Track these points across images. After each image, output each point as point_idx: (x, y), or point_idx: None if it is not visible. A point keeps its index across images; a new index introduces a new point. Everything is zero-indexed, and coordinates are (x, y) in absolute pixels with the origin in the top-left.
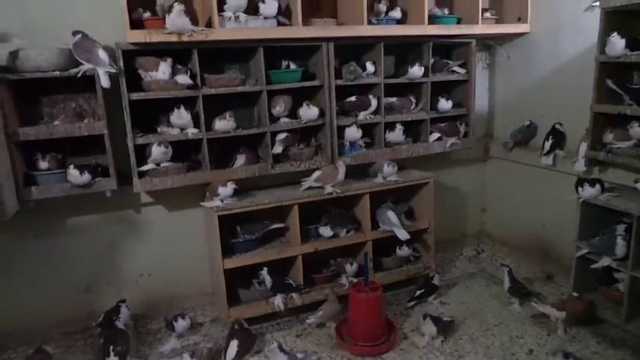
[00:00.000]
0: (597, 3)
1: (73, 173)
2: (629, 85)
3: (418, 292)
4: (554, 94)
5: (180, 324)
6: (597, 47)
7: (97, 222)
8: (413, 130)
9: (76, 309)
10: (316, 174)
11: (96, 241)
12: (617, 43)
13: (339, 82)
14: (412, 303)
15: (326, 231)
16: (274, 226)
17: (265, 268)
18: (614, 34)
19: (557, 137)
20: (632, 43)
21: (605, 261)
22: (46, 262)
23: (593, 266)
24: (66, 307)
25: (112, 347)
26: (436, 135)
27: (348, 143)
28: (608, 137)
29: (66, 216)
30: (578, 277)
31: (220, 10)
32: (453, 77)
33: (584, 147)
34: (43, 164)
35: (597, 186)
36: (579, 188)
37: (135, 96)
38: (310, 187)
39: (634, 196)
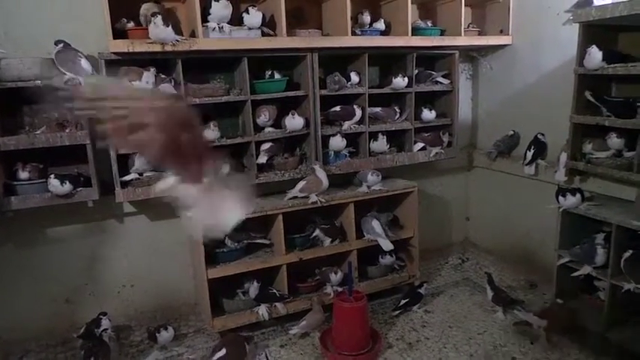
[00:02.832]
0: (572, 17)
1: (54, 183)
2: (607, 98)
3: (403, 302)
4: (535, 104)
5: (164, 335)
6: (576, 60)
7: (79, 232)
8: (397, 140)
9: (56, 320)
10: (301, 184)
11: (77, 252)
12: (595, 56)
13: (324, 92)
14: (397, 312)
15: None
16: (259, 240)
17: (255, 280)
18: (593, 47)
19: (539, 147)
20: (609, 56)
21: (585, 269)
22: (25, 272)
23: (573, 274)
24: (46, 318)
25: (93, 359)
26: (420, 145)
27: (332, 152)
28: (588, 147)
29: (46, 226)
30: (561, 285)
31: (204, 20)
32: (437, 88)
33: (564, 157)
34: (24, 174)
35: (578, 195)
36: (560, 197)
37: None
38: (295, 197)
39: (613, 205)
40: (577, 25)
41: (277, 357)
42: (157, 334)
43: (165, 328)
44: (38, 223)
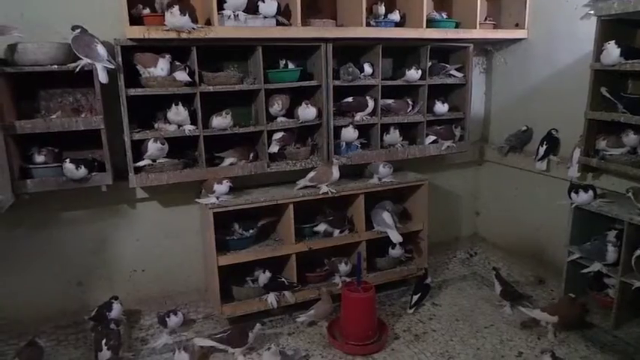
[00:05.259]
0: (592, 11)
1: (69, 167)
2: (623, 94)
3: (415, 297)
4: (549, 100)
5: (173, 320)
6: (593, 55)
7: (92, 216)
8: (409, 133)
9: (68, 303)
10: (311, 174)
11: (90, 236)
12: (613, 52)
13: (337, 82)
14: (413, 309)
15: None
16: (266, 220)
17: (265, 269)
18: (612, 42)
19: (552, 143)
20: (627, 52)
21: (595, 266)
22: (39, 255)
23: (583, 271)
24: (58, 300)
25: (104, 342)
26: (432, 138)
27: (344, 144)
28: (602, 144)
29: (61, 210)
30: (570, 281)
31: (220, 8)
32: (450, 81)
33: (577, 153)
34: (39, 158)
35: (590, 192)
36: (572, 194)
37: (132, 92)
38: (305, 187)
39: (626, 202)
40: (594, 19)
41: (285, 345)
42: (167, 319)
43: (175, 313)
44: (52, 207)
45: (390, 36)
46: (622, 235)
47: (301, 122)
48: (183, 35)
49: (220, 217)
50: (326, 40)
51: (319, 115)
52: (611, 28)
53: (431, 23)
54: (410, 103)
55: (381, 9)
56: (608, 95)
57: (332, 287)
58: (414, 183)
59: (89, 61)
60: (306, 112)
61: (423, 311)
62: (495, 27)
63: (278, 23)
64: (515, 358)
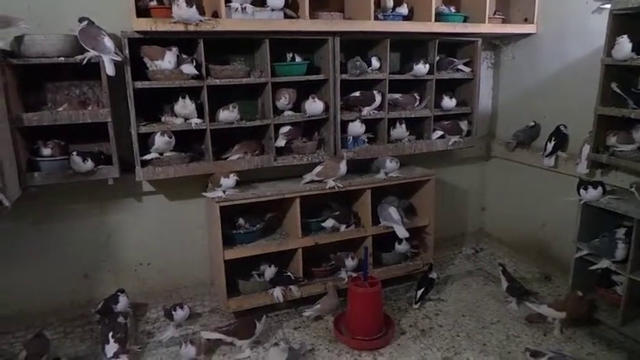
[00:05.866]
0: (608, 5)
1: (76, 160)
2: (634, 90)
3: (420, 292)
4: (558, 95)
5: (179, 313)
6: (604, 50)
7: (98, 209)
8: (416, 127)
9: (74, 295)
10: (318, 168)
11: (96, 229)
12: (625, 47)
13: (344, 76)
14: (418, 304)
15: (329, 223)
16: (272, 214)
17: (271, 263)
18: (624, 37)
19: (560, 139)
20: (639, 47)
21: (604, 263)
22: (46, 248)
23: (591, 268)
24: (65, 293)
25: (111, 334)
26: (439, 133)
27: (351, 138)
28: (612, 140)
29: (67, 203)
30: (576, 278)
31: (227, 0)
32: (458, 75)
33: (587, 149)
34: (46, 150)
35: (599, 188)
36: (581, 190)
37: (139, 84)
38: (312, 181)
39: (635, 199)
40: (606, 14)
41: (291, 339)
42: (173, 312)
43: (181, 307)
44: (59, 200)
45: (398, 30)
46: (631, 232)
47: (308, 116)
48: (191, 28)
49: (227, 210)
50: (334, 34)
51: (326, 109)
52: (623, 22)
53: (439, 17)
54: (417, 97)
55: (389, 2)
56: (618, 91)
57: (338, 282)
58: (420, 178)
59: (96, 53)
60: (313, 106)
61: (429, 307)
62: (504, 21)
63: (286, 16)
64: (521, 354)
